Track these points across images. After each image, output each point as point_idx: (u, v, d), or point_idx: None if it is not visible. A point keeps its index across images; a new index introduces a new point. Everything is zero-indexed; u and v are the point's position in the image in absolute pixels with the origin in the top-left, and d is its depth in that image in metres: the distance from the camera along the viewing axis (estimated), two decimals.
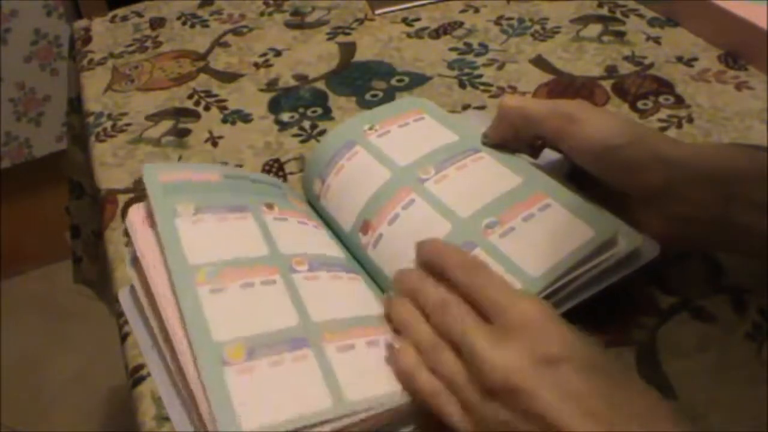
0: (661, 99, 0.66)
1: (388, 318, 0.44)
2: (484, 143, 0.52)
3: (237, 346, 0.39)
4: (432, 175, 0.50)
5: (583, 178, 0.49)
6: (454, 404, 0.38)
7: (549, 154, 0.52)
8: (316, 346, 0.40)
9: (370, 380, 0.40)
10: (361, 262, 0.50)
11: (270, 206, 0.49)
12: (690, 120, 0.63)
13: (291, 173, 0.62)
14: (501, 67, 0.72)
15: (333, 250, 0.50)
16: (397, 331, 0.43)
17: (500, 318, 0.38)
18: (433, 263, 0.43)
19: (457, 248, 0.44)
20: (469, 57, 0.74)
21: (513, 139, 0.51)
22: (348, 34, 0.80)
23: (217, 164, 0.52)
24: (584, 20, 0.78)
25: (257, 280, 0.43)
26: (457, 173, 0.50)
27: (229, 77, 0.75)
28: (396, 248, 0.48)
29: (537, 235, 0.45)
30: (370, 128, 0.54)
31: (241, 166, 0.63)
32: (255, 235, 0.46)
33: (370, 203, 0.50)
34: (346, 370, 0.40)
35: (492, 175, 0.50)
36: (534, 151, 0.52)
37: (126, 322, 0.50)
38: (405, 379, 0.40)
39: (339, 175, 0.53)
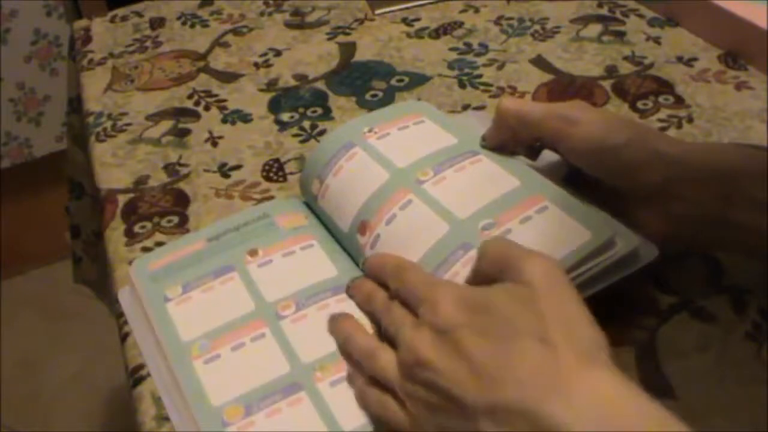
0: (661, 99, 0.66)
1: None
2: (483, 146, 0.52)
3: (234, 407, 0.42)
4: (430, 176, 0.50)
5: (581, 179, 0.49)
6: (397, 408, 0.39)
7: (548, 156, 0.52)
8: (309, 387, 0.43)
9: None
10: (359, 263, 0.50)
11: (254, 252, 0.51)
12: (690, 120, 0.63)
13: (291, 173, 0.62)
14: (501, 67, 0.72)
15: (323, 269, 0.50)
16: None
17: (420, 308, 0.39)
18: (376, 277, 0.46)
19: (392, 256, 0.46)
20: (469, 57, 0.74)
21: (511, 141, 0.51)
22: (348, 34, 0.80)
23: (202, 230, 0.54)
24: (584, 20, 0.78)
25: (247, 339, 0.46)
26: (456, 175, 0.50)
27: (229, 77, 0.75)
28: (393, 248, 0.48)
29: (534, 237, 0.45)
30: (370, 130, 0.54)
31: (241, 166, 0.63)
32: (241, 293, 0.49)
33: (368, 204, 0.50)
34: (339, 402, 0.42)
35: (490, 177, 0.50)
36: (532, 153, 0.52)
37: (126, 322, 0.50)
38: (359, 401, 0.42)
39: (338, 175, 0.53)
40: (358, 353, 0.42)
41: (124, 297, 0.52)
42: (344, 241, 0.52)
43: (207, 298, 0.49)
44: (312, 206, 0.55)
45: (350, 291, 0.47)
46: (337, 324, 0.45)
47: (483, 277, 0.40)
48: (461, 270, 0.44)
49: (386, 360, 0.40)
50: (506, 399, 0.33)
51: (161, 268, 0.51)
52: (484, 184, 0.49)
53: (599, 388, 0.32)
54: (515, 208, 0.47)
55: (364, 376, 0.41)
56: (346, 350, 0.44)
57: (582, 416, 0.31)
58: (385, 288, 0.44)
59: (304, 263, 0.51)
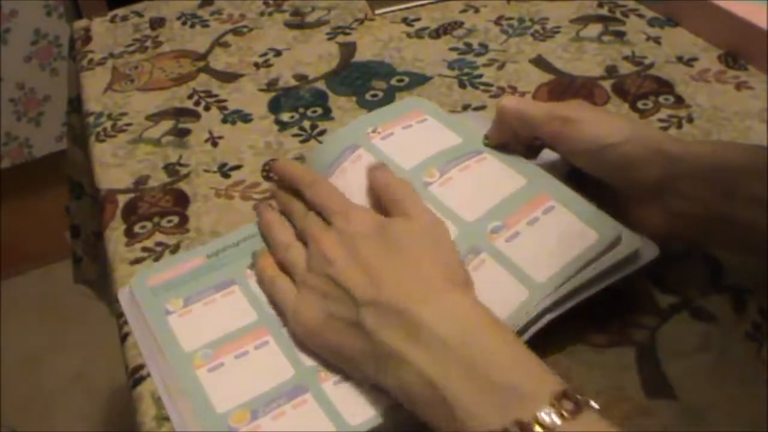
0: (661, 99, 0.66)
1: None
2: (486, 144, 0.52)
3: (240, 412, 0.42)
4: (437, 178, 0.50)
5: (582, 177, 0.49)
6: (290, 288, 0.46)
7: (548, 155, 0.52)
8: (314, 388, 0.43)
9: (369, 400, 0.42)
10: None
11: (254, 266, 0.51)
12: (690, 120, 0.63)
13: None
14: (501, 67, 0.72)
15: None
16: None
17: (334, 219, 0.46)
18: (288, 182, 0.52)
19: (301, 166, 0.54)
20: (469, 57, 0.74)
21: (513, 139, 0.51)
22: (348, 34, 0.80)
23: (201, 247, 0.54)
24: (584, 20, 0.78)
25: (250, 347, 0.46)
26: (461, 175, 0.50)
27: (229, 77, 0.75)
28: None
29: (542, 239, 0.45)
30: (373, 131, 0.54)
31: (241, 166, 0.63)
32: (243, 305, 0.49)
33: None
34: (345, 400, 0.42)
35: (496, 177, 0.50)
36: (532, 152, 0.52)
37: (126, 322, 0.50)
38: (258, 274, 0.49)
39: (341, 177, 0.52)
40: (274, 242, 0.50)
41: (123, 297, 0.52)
42: None
43: (209, 311, 0.49)
44: None
45: (273, 196, 0.54)
46: (260, 212, 0.53)
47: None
48: (472, 274, 0.44)
49: (296, 253, 0.47)
50: (387, 298, 0.40)
51: (161, 284, 0.51)
52: (490, 183, 0.49)
53: (461, 304, 0.40)
54: (523, 210, 0.47)
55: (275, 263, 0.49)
56: (264, 236, 0.52)
57: (442, 320, 0.38)
58: (296, 194, 0.51)
59: None
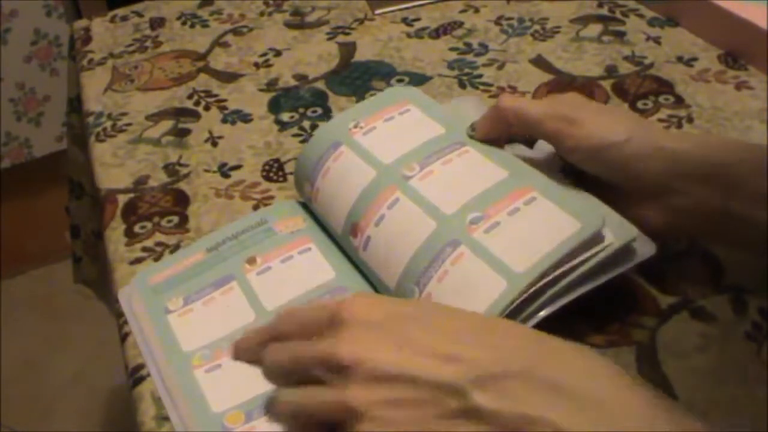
0: (661, 99, 0.66)
1: None
2: (471, 136, 0.51)
3: (235, 413, 0.43)
4: (416, 171, 0.49)
5: (578, 173, 0.49)
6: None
7: (544, 146, 0.51)
8: None
9: None
10: (356, 263, 0.50)
11: (252, 261, 0.52)
12: (690, 120, 0.63)
13: (291, 173, 0.62)
14: (501, 67, 0.72)
15: (321, 271, 0.50)
16: None
17: (330, 323, 0.36)
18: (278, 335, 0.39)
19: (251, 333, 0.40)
20: (469, 57, 0.74)
21: (505, 135, 0.51)
22: (348, 34, 0.80)
23: (201, 240, 0.54)
24: (584, 20, 0.78)
25: None
26: (443, 168, 0.49)
27: (229, 77, 0.75)
28: (385, 249, 0.47)
29: (522, 229, 0.45)
30: (355, 126, 0.54)
31: (241, 166, 0.63)
32: (241, 303, 0.49)
33: (357, 205, 0.50)
34: None
35: (478, 169, 0.49)
36: (528, 143, 0.52)
37: (126, 322, 0.51)
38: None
39: (326, 177, 0.52)
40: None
41: (124, 297, 0.52)
42: (340, 242, 0.52)
43: (208, 310, 0.49)
44: (309, 206, 0.55)
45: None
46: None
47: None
48: (450, 268, 0.44)
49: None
50: (495, 367, 0.33)
51: (162, 281, 0.51)
52: (471, 176, 0.48)
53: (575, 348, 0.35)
54: (503, 201, 0.46)
55: None
56: None
57: (573, 374, 0.33)
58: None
59: (302, 268, 0.51)
